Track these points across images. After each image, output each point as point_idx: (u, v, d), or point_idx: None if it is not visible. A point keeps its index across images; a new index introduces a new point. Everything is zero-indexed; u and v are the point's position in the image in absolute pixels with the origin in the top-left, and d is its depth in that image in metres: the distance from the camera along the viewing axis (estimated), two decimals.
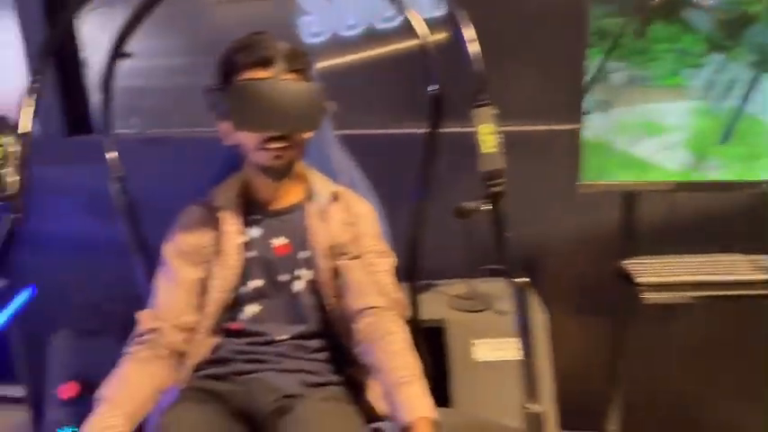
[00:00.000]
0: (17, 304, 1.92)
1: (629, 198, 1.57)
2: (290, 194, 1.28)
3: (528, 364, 0.99)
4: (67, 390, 1.65)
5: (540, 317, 1.59)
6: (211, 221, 1.25)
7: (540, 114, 1.90)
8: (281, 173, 1.21)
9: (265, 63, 1.13)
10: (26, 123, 1.22)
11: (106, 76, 1.43)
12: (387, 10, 2.08)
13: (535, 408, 0.98)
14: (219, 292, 1.22)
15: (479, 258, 1.70)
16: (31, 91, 1.24)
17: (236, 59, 1.15)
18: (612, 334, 1.62)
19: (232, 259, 1.22)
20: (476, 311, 1.64)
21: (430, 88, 1.38)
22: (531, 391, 0.98)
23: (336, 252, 1.24)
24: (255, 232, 1.26)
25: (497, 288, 1.76)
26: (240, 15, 2.21)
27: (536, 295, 1.74)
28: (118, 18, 1.93)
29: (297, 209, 1.28)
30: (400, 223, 1.45)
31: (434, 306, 1.69)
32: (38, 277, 1.99)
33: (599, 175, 1.50)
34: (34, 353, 2.03)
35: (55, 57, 2.28)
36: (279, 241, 1.26)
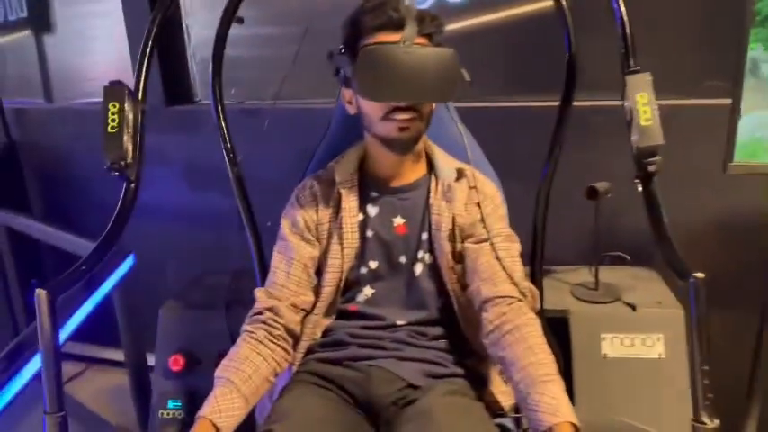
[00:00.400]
0: (121, 271, 1.94)
1: None
2: (411, 171, 1.19)
3: (700, 372, 0.85)
4: (174, 362, 1.65)
5: (674, 312, 1.43)
6: (329, 197, 1.18)
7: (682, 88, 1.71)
8: (406, 146, 1.11)
9: (395, 26, 1.04)
10: (142, 91, 1.18)
11: (218, 43, 1.36)
12: None
13: (710, 424, 0.84)
14: (336, 271, 1.15)
15: (601, 244, 1.57)
16: (144, 57, 1.20)
17: (364, 21, 1.07)
18: (757, 335, 1.45)
19: (350, 238, 1.15)
20: (603, 303, 1.49)
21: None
22: (702, 404, 0.85)
23: (461, 234, 1.15)
24: (373, 210, 1.18)
25: (623, 276, 1.61)
26: None
27: (668, 287, 1.58)
28: None
29: (418, 186, 1.19)
30: (516, 205, 1.33)
31: (556, 294, 1.55)
32: (138, 246, 2.01)
33: (751, 155, 1.32)
34: (136, 320, 2.06)
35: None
36: (398, 221, 1.17)
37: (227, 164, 1.36)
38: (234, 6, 1.35)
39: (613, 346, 1.43)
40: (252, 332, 1.09)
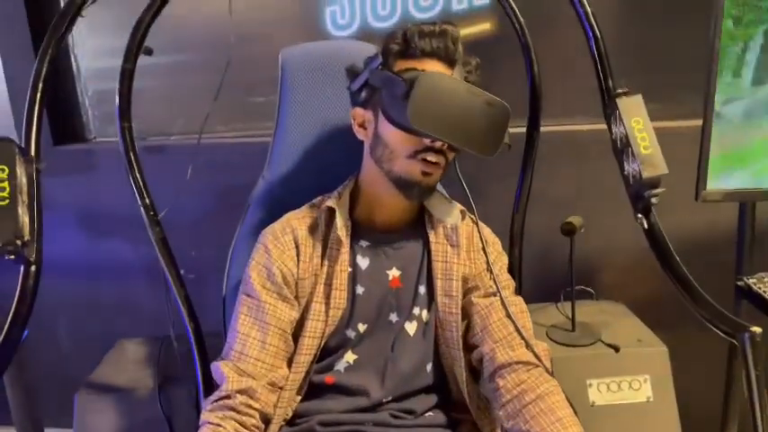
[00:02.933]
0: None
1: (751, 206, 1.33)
2: (409, 214, 1.03)
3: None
4: None
5: (658, 351, 1.35)
6: (314, 245, 0.99)
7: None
8: (423, 193, 0.95)
9: (449, 60, 0.92)
10: (35, 145, 0.95)
11: (124, 80, 1.14)
12: None
13: None
14: (316, 337, 0.96)
15: (562, 279, 1.47)
16: (34, 104, 0.97)
17: (419, 43, 0.91)
18: (728, 364, 1.39)
19: (338, 297, 0.96)
20: (584, 345, 1.38)
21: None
22: None
23: (464, 286, 1.00)
24: (364, 263, 1.00)
25: (594, 313, 1.51)
26: (256, 5, 1.91)
27: (641, 321, 1.50)
28: (107, 16, 1.66)
29: (413, 231, 1.03)
30: None
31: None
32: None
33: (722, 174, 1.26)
34: (30, 396, 1.76)
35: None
36: (393, 273, 1.00)
37: (147, 223, 1.13)
38: (141, 36, 1.14)
39: (600, 392, 1.32)
40: (219, 425, 0.86)
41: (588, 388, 1.32)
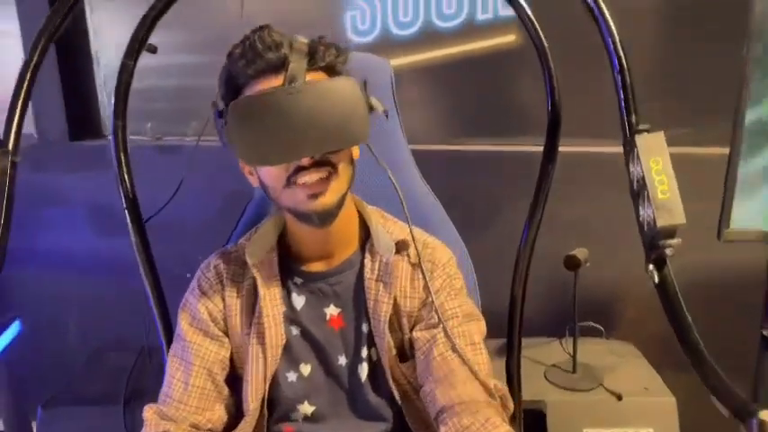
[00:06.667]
0: (3, 341, 1.60)
1: None
2: (342, 245, 0.93)
3: None
4: None
5: (665, 401, 1.25)
6: (242, 282, 0.93)
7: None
8: (324, 217, 0.84)
9: (275, 67, 0.80)
10: (14, 138, 0.90)
11: (123, 76, 1.09)
12: (449, 4, 1.75)
13: None
14: (258, 381, 0.89)
15: (570, 311, 1.37)
16: (20, 94, 0.92)
17: (238, 70, 0.82)
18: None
19: (273, 335, 0.89)
20: (583, 390, 1.29)
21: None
22: None
23: (409, 321, 0.91)
24: (299, 301, 0.93)
25: (600, 353, 1.43)
26: (270, 9, 1.88)
27: (651, 366, 1.40)
28: (132, 9, 1.64)
29: (351, 265, 0.94)
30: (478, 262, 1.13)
31: (527, 379, 1.31)
32: (29, 307, 1.67)
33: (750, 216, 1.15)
34: (24, 392, 1.72)
35: (59, 50, 1.97)
36: (331, 311, 0.93)
37: (130, 227, 1.08)
38: (144, 33, 1.09)
39: None
40: None
41: None
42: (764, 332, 1.18)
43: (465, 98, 1.82)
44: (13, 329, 1.63)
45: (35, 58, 0.97)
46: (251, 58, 0.80)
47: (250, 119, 0.77)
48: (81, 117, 2.11)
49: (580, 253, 1.25)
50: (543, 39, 1.06)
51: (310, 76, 0.80)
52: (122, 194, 1.08)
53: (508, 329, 1.10)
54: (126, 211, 1.08)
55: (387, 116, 0.86)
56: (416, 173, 1.15)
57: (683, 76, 1.61)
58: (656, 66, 1.60)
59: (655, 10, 1.64)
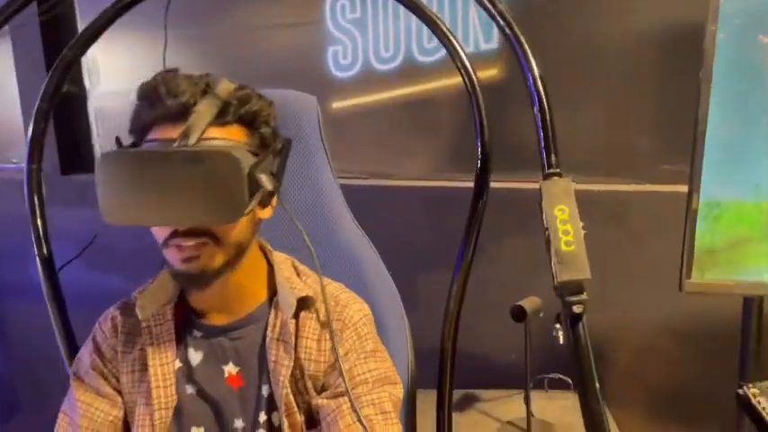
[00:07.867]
0: None
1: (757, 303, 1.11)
2: (244, 298, 0.87)
3: None
4: None
5: None
6: (136, 336, 0.87)
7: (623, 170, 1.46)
8: (195, 280, 0.79)
9: (173, 117, 0.74)
10: None
11: (38, 118, 1.08)
12: (430, 38, 1.71)
13: None
14: None
15: (537, 364, 1.27)
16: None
17: (141, 110, 0.78)
18: None
19: (161, 395, 0.83)
20: None
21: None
22: None
23: (314, 385, 0.84)
24: (196, 357, 0.86)
25: (564, 409, 1.30)
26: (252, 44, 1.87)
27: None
28: (125, 42, 1.66)
29: (255, 320, 0.87)
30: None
31: None
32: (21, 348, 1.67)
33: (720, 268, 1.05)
34: None
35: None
36: (230, 369, 0.86)
37: (42, 279, 1.06)
38: (60, 75, 1.07)
39: None
40: None
41: None
42: (739, 391, 1.06)
43: (445, 133, 1.77)
44: None
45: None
46: (152, 101, 0.76)
47: (114, 173, 0.72)
48: (72, 151, 2.13)
49: (529, 303, 1.14)
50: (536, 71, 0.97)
51: (217, 132, 0.75)
52: (34, 242, 1.07)
53: (438, 381, 1.01)
54: (38, 259, 1.06)
55: (278, 196, 0.81)
56: (348, 215, 1.07)
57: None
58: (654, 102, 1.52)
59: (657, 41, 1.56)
